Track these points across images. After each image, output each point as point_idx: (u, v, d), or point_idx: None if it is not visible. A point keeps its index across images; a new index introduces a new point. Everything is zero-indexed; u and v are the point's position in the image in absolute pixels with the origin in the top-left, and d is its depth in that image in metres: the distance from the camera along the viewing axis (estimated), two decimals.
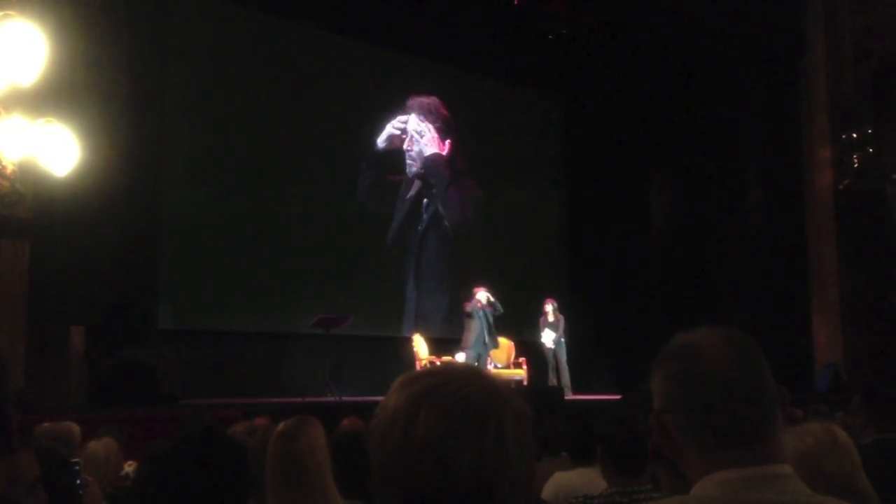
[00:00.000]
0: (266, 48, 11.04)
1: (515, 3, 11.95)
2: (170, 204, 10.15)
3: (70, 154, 5.80)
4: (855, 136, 11.34)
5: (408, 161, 12.48)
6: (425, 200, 12.65)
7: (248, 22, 10.94)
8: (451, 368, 1.02)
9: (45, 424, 3.55)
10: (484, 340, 10.48)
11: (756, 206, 12.54)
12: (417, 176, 12.56)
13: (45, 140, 5.65)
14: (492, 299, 10.55)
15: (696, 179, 13.13)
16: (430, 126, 12.65)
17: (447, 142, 12.78)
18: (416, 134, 12.52)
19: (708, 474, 1.20)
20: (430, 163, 12.65)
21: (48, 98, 6.34)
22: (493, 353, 10.89)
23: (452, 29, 12.06)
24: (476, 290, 10.75)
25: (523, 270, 13.34)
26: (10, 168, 5.68)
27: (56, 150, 5.71)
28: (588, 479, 3.27)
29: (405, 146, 12.44)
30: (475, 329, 10.43)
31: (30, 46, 4.77)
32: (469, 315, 10.51)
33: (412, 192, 12.53)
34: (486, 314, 10.57)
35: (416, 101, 12.52)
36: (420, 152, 12.56)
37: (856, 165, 11.31)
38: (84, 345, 8.34)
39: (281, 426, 2.66)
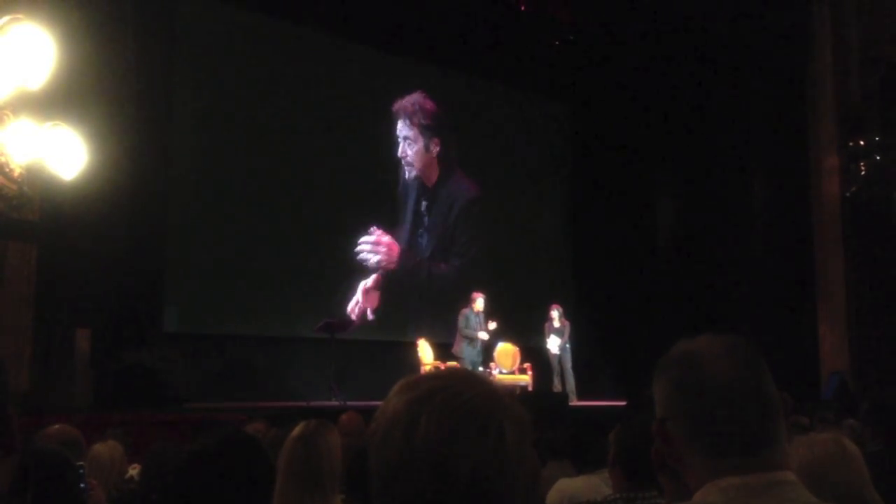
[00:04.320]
0: (273, 53, 11.07)
1: (522, 9, 11.96)
2: (176, 207, 10.17)
3: (78, 158, 5.81)
4: (862, 143, 11.31)
5: (405, 167, 12.54)
6: (424, 203, 12.71)
7: (255, 26, 10.96)
8: (451, 372, 1.02)
9: (56, 426, 3.56)
10: (478, 348, 10.49)
11: (762, 213, 12.52)
12: (415, 178, 12.64)
13: (53, 143, 5.66)
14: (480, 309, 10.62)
15: (703, 186, 13.12)
16: (416, 128, 12.63)
17: (435, 140, 12.75)
18: (405, 140, 12.54)
19: (710, 481, 1.20)
20: (422, 165, 12.70)
21: (56, 101, 6.36)
22: (498, 358, 10.89)
23: (459, 34, 12.08)
24: (474, 295, 10.78)
25: (529, 276, 13.34)
26: (17, 171, 5.69)
27: (64, 154, 5.72)
28: (592, 485, 3.26)
29: (399, 153, 12.48)
30: (467, 338, 10.50)
31: (38, 50, 4.79)
32: (463, 321, 10.57)
33: (412, 196, 12.61)
34: (481, 320, 10.60)
35: (398, 104, 12.43)
36: (413, 156, 12.61)
37: (863, 173, 11.28)
38: (90, 347, 8.36)
39: (299, 429, 2.64)
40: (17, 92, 5.11)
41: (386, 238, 12.01)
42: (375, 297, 11.80)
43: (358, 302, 11.60)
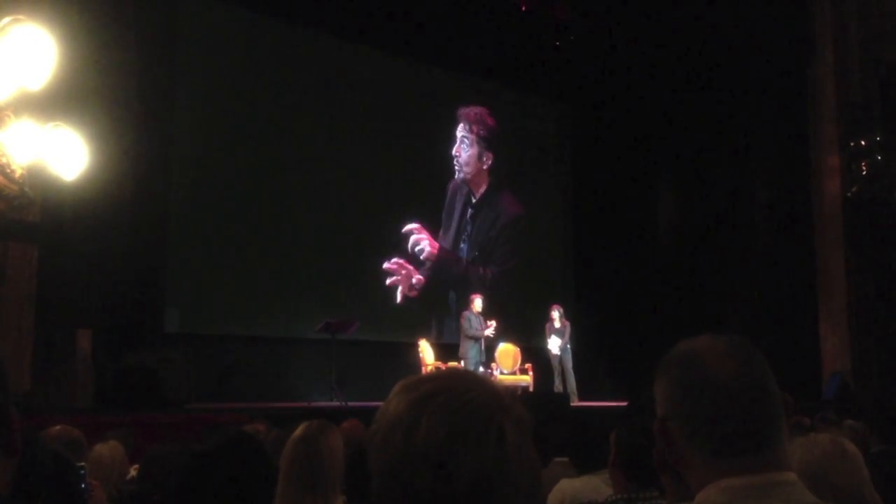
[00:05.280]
0: (273, 53, 11.07)
1: (522, 9, 11.96)
2: (177, 208, 10.17)
3: (79, 158, 5.83)
4: (863, 143, 11.31)
5: (455, 166, 12.97)
6: (470, 211, 13.05)
7: (256, 27, 10.97)
8: (452, 373, 1.02)
9: (57, 427, 3.56)
10: (480, 348, 10.54)
11: (763, 213, 12.52)
12: (463, 181, 13.07)
13: (54, 144, 5.68)
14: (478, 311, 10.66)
15: (703, 186, 13.11)
16: (475, 135, 13.07)
17: (488, 153, 13.25)
18: (461, 140, 13.03)
19: (711, 482, 1.20)
20: (473, 171, 13.12)
21: (57, 102, 6.37)
22: (499, 358, 10.90)
23: (458, 35, 12.07)
24: (473, 296, 10.83)
25: (530, 276, 13.35)
26: (18, 172, 5.70)
27: (65, 155, 5.73)
28: (593, 486, 3.26)
29: (454, 151, 12.95)
30: (473, 341, 10.54)
31: (39, 51, 4.80)
32: (467, 323, 10.62)
33: (460, 203, 13.00)
34: (481, 321, 10.64)
35: (464, 110, 13.05)
36: (466, 158, 13.05)
37: (864, 173, 11.28)
38: (91, 348, 8.36)
39: (301, 430, 2.63)
40: (18, 93, 5.12)
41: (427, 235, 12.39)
42: (415, 288, 12.13)
43: (404, 277, 11.92)
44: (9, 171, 5.60)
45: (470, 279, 12.73)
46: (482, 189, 13.22)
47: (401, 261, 12.02)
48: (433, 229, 12.64)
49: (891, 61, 11.60)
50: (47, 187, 6.72)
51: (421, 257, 12.23)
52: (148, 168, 9.36)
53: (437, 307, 12.44)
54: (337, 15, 11.28)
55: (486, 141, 13.21)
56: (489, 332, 10.59)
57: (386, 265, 11.83)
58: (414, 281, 12.11)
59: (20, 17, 4.76)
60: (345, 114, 11.65)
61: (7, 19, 4.67)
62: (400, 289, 11.97)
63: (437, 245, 12.44)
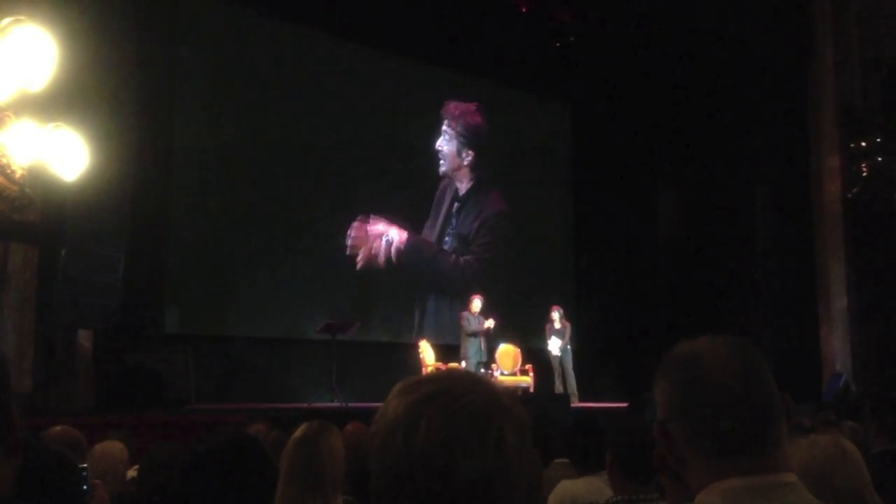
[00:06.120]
0: (274, 53, 11.06)
1: (522, 10, 11.97)
2: (178, 209, 10.17)
3: (79, 159, 5.83)
4: (863, 144, 11.32)
5: (440, 160, 12.90)
6: (455, 205, 12.99)
7: (257, 27, 10.96)
8: (452, 374, 1.01)
9: (58, 428, 3.56)
10: (481, 347, 10.56)
11: (764, 215, 12.52)
12: (447, 176, 13.01)
13: (55, 145, 5.68)
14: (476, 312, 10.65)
15: (704, 187, 13.12)
16: (453, 131, 12.97)
17: (468, 150, 13.11)
18: (443, 135, 12.94)
19: (712, 483, 1.20)
20: (452, 166, 13.04)
21: (58, 103, 6.37)
22: (499, 359, 10.91)
23: (458, 35, 12.08)
24: (472, 297, 10.85)
25: (530, 277, 13.34)
26: (19, 173, 5.70)
27: (65, 155, 5.73)
28: (594, 487, 3.26)
29: (437, 145, 12.85)
30: (473, 340, 10.55)
31: (40, 51, 4.80)
32: (466, 323, 10.64)
33: (447, 199, 12.97)
34: (480, 321, 10.66)
35: (448, 105, 12.91)
36: (446, 153, 12.97)
37: (864, 174, 11.29)
38: (92, 349, 8.36)
39: (301, 431, 2.63)
40: (19, 93, 5.12)
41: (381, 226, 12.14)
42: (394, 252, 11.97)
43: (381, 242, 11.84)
44: (9, 171, 5.61)
45: (440, 265, 12.59)
46: (467, 184, 13.14)
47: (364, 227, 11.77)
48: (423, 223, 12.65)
49: (891, 61, 11.61)
50: (47, 188, 6.71)
51: (392, 249, 12.00)
52: (148, 168, 9.35)
53: (436, 308, 12.44)
54: (341, 16, 11.26)
55: (466, 137, 13.04)
56: (488, 323, 10.61)
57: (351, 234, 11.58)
58: (373, 250, 11.85)
59: (20, 17, 4.76)
60: (348, 113, 11.64)
61: (7, 20, 4.68)
62: (360, 255, 11.69)
63: (405, 234, 12.21)
